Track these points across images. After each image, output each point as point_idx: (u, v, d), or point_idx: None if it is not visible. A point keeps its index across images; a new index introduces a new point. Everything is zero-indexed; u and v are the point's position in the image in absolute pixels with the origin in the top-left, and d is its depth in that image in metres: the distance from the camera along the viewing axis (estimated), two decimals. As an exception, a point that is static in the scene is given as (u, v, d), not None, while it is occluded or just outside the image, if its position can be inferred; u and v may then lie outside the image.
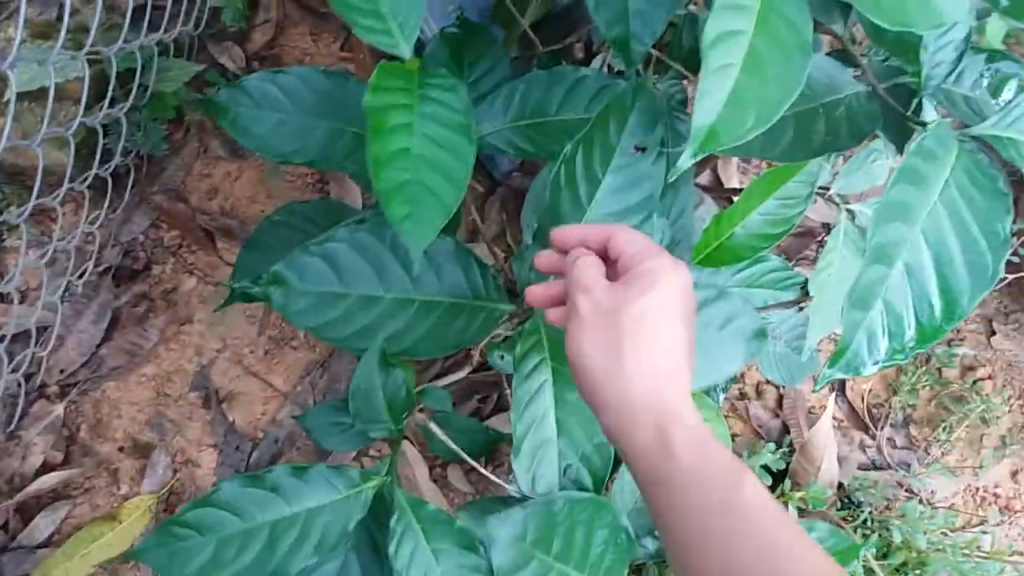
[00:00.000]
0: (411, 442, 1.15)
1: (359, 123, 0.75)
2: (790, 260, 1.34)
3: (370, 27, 0.61)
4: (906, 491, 1.27)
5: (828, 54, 0.71)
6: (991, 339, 1.39)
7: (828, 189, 0.94)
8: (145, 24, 1.00)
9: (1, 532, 1.04)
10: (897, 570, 1.11)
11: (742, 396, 1.31)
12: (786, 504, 1.07)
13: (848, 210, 0.93)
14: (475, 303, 0.71)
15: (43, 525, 1.06)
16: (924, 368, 1.36)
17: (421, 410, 0.83)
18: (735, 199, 0.88)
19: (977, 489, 1.32)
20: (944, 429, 1.32)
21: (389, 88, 0.60)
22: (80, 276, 1.11)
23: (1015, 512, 1.31)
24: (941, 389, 1.35)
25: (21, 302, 1.08)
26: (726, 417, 1.28)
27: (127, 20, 0.94)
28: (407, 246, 0.60)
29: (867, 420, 1.33)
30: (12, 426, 1.06)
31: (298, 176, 1.23)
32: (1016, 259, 1.29)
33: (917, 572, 1.11)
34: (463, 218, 1.09)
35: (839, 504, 1.21)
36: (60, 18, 1.03)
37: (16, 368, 1.03)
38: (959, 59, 0.59)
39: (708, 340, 0.69)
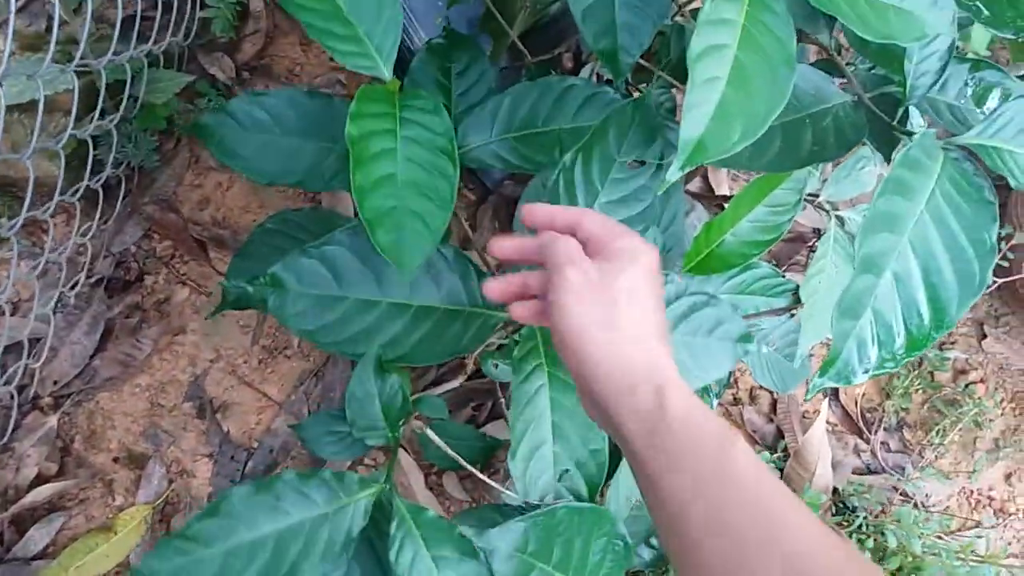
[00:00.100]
0: (406, 450, 1.15)
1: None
2: (781, 265, 1.34)
3: (348, 52, 0.62)
4: (901, 495, 1.28)
5: (814, 63, 0.72)
6: (982, 342, 1.40)
7: (817, 196, 0.95)
8: (134, 35, 1.00)
9: (-5, 544, 1.04)
10: (893, 575, 1.12)
11: (736, 401, 1.31)
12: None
13: (838, 216, 0.94)
14: (471, 310, 0.71)
15: (38, 537, 1.05)
16: (917, 372, 1.36)
17: (417, 417, 0.84)
18: (725, 206, 0.89)
19: (971, 492, 1.32)
20: (937, 433, 1.32)
21: (371, 114, 0.60)
22: (72, 287, 1.10)
23: (1009, 515, 1.32)
24: (934, 393, 1.36)
25: (13, 314, 1.08)
26: (720, 422, 1.28)
27: (116, 31, 0.94)
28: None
29: (861, 424, 1.33)
30: (5, 438, 1.06)
31: (290, 186, 1.23)
32: (1005, 263, 1.30)
33: (912, 576, 1.11)
34: (455, 227, 1.09)
35: (834, 509, 1.22)
36: (49, 29, 1.03)
37: (9, 380, 1.03)
38: (943, 69, 0.60)
39: (698, 345, 0.70)
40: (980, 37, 1.03)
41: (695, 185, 1.32)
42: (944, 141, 0.57)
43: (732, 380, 1.31)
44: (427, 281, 0.69)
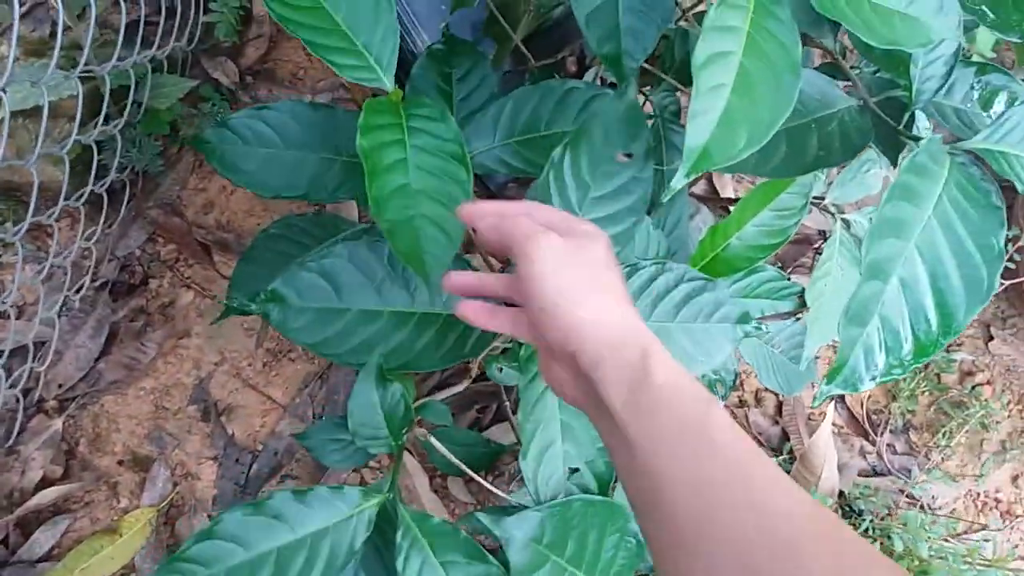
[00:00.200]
0: (411, 453, 1.15)
1: (349, 151, 0.75)
2: (786, 268, 1.34)
3: (349, 65, 0.61)
4: (907, 497, 1.27)
5: (818, 67, 0.71)
6: (989, 344, 1.39)
7: (823, 199, 0.94)
8: (138, 40, 1.00)
9: (1, 547, 1.04)
10: (898, 578, 1.11)
11: (741, 403, 1.31)
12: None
13: (843, 219, 0.93)
14: (475, 315, 0.71)
15: (43, 539, 1.06)
16: (923, 374, 1.36)
17: (420, 424, 0.84)
18: (731, 208, 0.89)
19: (978, 494, 1.32)
20: (944, 435, 1.32)
21: (379, 126, 0.60)
22: (77, 291, 1.11)
23: (1016, 517, 1.31)
24: (940, 395, 1.35)
25: (18, 318, 1.09)
26: (725, 425, 1.28)
27: (120, 37, 0.94)
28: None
29: (867, 426, 1.33)
30: (11, 441, 1.06)
31: (294, 199, 1.23)
32: (1012, 265, 1.29)
33: (918, 580, 1.11)
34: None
35: (840, 513, 1.21)
36: (53, 35, 1.04)
37: (14, 383, 1.03)
38: (949, 73, 0.59)
39: (698, 330, 0.70)
40: (985, 39, 1.03)
41: (700, 188, 1.32)
42: (951, 146, 0.56)
43: (738, 382, 1.31)
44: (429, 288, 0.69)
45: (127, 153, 1.10)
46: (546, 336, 0.46)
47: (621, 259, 0.66)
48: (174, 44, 1.10)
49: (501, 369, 0.86)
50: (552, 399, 0.69)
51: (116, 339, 1.15)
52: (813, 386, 1.30)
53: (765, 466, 0.39)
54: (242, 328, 1.18)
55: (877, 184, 0.95)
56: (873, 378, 0.54)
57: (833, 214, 0.93)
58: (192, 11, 1.13)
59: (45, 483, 1.07)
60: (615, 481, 0.72)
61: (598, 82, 0.96)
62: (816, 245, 1.36)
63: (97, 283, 1.14)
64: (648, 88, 0.92)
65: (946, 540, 1.20)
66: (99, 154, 1.02)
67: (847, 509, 1.22)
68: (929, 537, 1.13)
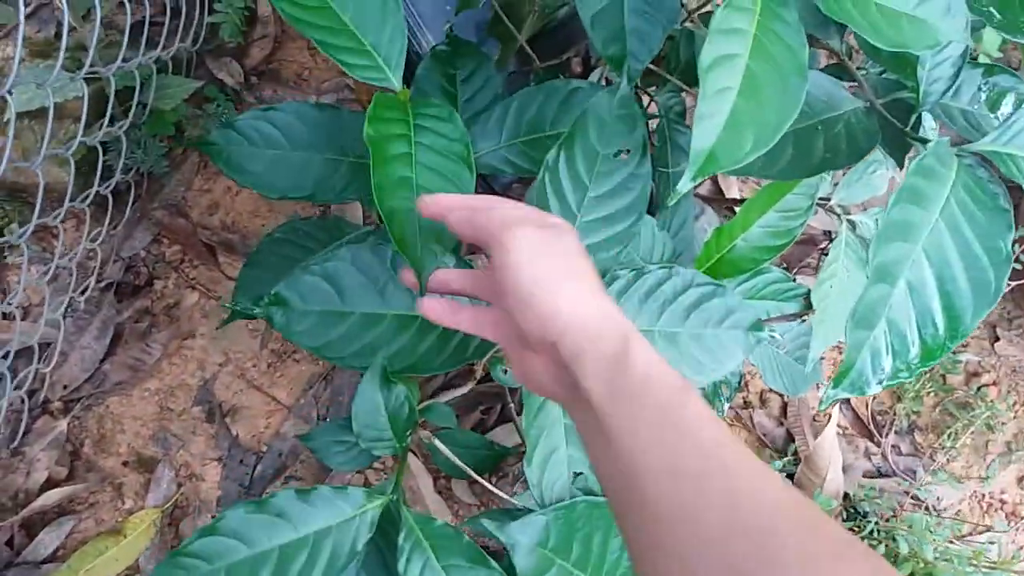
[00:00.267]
0: (415, 454, 1.15)
1: (355, 152, 0.75)
2: (792, 268, 1.34)
3: (358, 64, 0.61)
4: (912, 499, 1.27)
5: (824, 68, 0.71)
6: (995, 345, 1.39)
7: (829, 200, 0.94)
8: (143, 41, 1.00)
9: (6, 548, 1.04)
10: (904, 581, 1.11)
11: (746, 405, 1.30)
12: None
13: (849, 220, 0.93)
14: (479, 317, 0.71)
15: (48, 540, 1.06)
16: (928, 375, 1.36)
17: (424, 426, 0.83)
18: (736, 209, 0.88)
19: (983, 496, 1.31)
20: (949, 436, 1.31)
21: (387, 118, 0.60)
22: (82, 292, 1.11)
23: (1021, 518, 1.31)
24: (946, 396, 1.35)
25: (24, 319, 1.09)
26: (730, 426, 1.28)
27: (125, 38, 0.94)
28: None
29: (872, 427, 1.32)
30: (16, 442, 1.06)
31: (300, 200, 1.23)
32: (1019, 266, 1.29)
33: (924, 582, 1.10)
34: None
35: (845, 515, 1.21)
36: (59, 35, 1.04)
37: (19, 385, 1.03)
38: (957, 75, 0.59)
39: (708, 337, 0.70)
40: (992, 38, 1.02)
41: (704, 188, 1.32)
42: (958, 148, 0.56)
43: (742, 383, 1.30)
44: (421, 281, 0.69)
45: (132, 154, 1.10)
46: (523, 327, 0.46)
47: (623, 259, 0.66)
48: (179, 45, 1.10)
49: (506, 371, 0.86)
50: (556, 404, 0.69)
51: (121, 340, 1.15)
52: (818, 387, 1.30)
53: (742, 455, 0.39)
54: (247, 329, 1.18)
55: (883, 185, 0.95)
56: (880, 382, 0.54)
57: (839, 215, 0.93)
58: (197, 12, 1.13)
59: (50, 484, 1.07)
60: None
61: (603, 83, 0.96)
62: (822, 246, 1.35)
63: (102, 284, 1.14)
64: (653, 89, 0.92)
65: (951, 542, 1.20)
66: (104, 155, 1.02)
67: (852, 511, 1.21)
68: (934, 539, 1.12)
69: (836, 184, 0.95)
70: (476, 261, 1.16)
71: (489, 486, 0.79)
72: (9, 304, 0.95)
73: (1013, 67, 1.39)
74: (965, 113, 0.65)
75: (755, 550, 0.35)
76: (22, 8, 0.74)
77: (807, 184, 0.84)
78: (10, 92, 0.74)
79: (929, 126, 0.78)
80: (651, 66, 0.81)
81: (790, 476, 1.17)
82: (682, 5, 0.77)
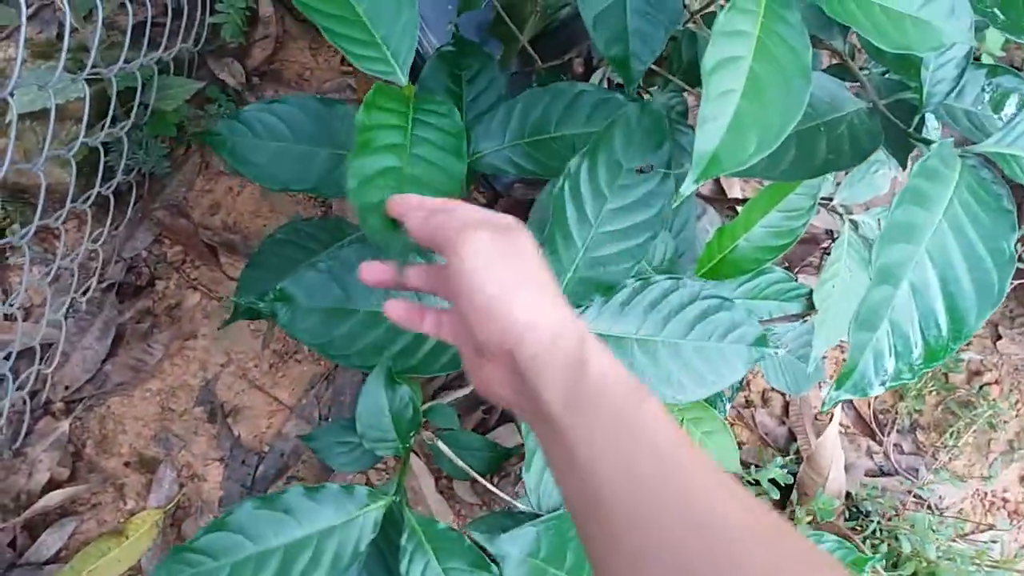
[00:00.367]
0: (417, 454, 1.15)
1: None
2: (794, 267, 1.34)
3: (365, 56, 0.61)
4: (914, 498, 1.27)
5: (827, 69, 0.71)
6: (997, 343, 1.39)
7: (831, 200, 0.94)
8: (145, 42, 1.00)
9: (9, 549, 1.04)
10: (907, 580, 1.11)
11: (748, 404, 1.30)
12: (794, 521, 1.07)
13: (851, 220, 0.93)
14: (482, 316, 0.71)
15: (50, 542, 1.06)
16: (930, 374, 1.35)
17: (427, 427, 0.83)
18: (738, 209, 0.88)
19: (986, 494, 1.31)
20: (951, 434, 1.31)
21: (384, 108, 0.60)
22: (84, 293, 1.11)
23: (1024, 517, 1.31)
24: (948, 394, 1.35)
25: (26, 320, 1.08)
26: (732, 425, 1.28)
27: (127, 38, 0.94)
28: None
29: (874, 426, 1.32)
30: (18, 443, 1.07)
31: (302, 192, 1.23)
32: (1020, 264, 1.29)
33: (926, 581, 1.10)
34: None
35: (847, 514, 1.21)
36: (60, 36, 1.04)
37: (21, 386, 1.03)
38: (960, 76, 0.59)
39: (711, 350, 0.69)
40: (995, 38, 1.02)
41: (706, 188, 1.32)
42: (961, 149, 0.56)
43: (745, 382, 1.30)
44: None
45: (133, 155, 1.10)
46: (479, 335, 0.45)
47: (633, 273, 0.66)
48: (180, 45, 1.10)
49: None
50: None
51: (123, 341, 1.15)
52: (820, 386, 1.30)
53: (701, 461, 0.38)
54: (248, 329, 1.18)
55: (885, 185, 0.95)
56: (883, 383, 0.54)
57: (841, 215, 0.93)
58: (198, 12, 1.13)
59: (52, 485, 1.07)
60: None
61: (605, 83, 0.96)
62: (824, 245, 1.35)
63: (104, 285, 1.14)
64: (655, 89, 0.91)
65: (954, 541, 1.20)
66: (106, 156, 1.02)
67: (854, 510, 1.21)
68: (937, 538, 1.12)
69: (839, 184, 0.95)
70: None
71: (491, 487, 0.79)
72: (11, 305, 0.95)
73: (1016, 66, 1.38)
74: (968, 114, 0.65)
75: (710, 552, 0.34)
76: (23, 9, 0.74)
77: (809, 184, 0.84)
78: (12, 94, 0.74)
79: (932, 127, 0.78)
80: (653, 66, 0.81)
81: (792, 475, 1.17)
82: (684, 6, 0.77)
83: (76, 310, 1.12)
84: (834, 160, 0.60)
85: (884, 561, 1.10)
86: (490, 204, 1.25)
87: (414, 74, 0.79)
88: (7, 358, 0.99)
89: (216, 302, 1.18)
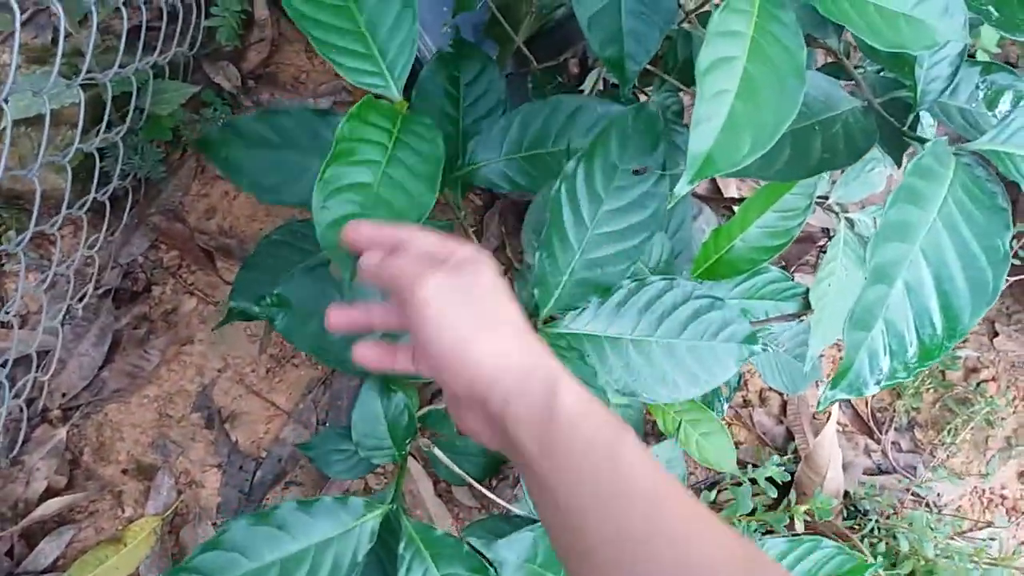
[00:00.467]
0: (415, 458, 1.15)
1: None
2: (790, 266, 1.34)
3: (359, 69, 0.60)
4: (912, 496, 1.27)
5: (822, 67, 0.71)
6: (994, 340, 1.39)
7: (827, 198, 0.94)
8: (140, 46, 1.00)
9: (6, 558, 1.04)
10: (905, 579, 1.11)
11: (746, 404, 1.30)
12: (792, 520, 1.07)
13: (847, 219, 0.93)
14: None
15: (48, 550, 1.05)
16: (928, 371, 1.36)
17: (423, 433, 0.83)
18: (734, 208, 0.89)
19: (984, 491, 1.31)
20: (949, 432, 1.31)
21: (369, 122, 0.59)
22: (80, 299, 1.10)
23: (1022, 513, 1.31)
24: (945, 392, 1.35)
25: (22, 327, 1.08)
26: (729, 425, 1.28)
27: (122, 43, 0.94)
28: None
29: (872, 424, 1.32)
30: (15, 452, 1.06)
31: (294, 206, 1.23)
32: (1017, 261, 1.29)
33: (925, 579, 1.10)
34: (459, 235, 1.09)
35: (845, 513, 1.21)
36: (55, 41, 1.03)
37: (18, 394, 1.03)
38: (955, 74, 0.59)
39: (703, 349, 0.70)
40: (990, 34, 1.02)
41: (702, 188, 1.32)
42: (956, 147, 0.56)
43: (742, 382, 1.30)
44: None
45: (129, 160, 1.10)
46: (449, 385, 0.44)
47: (629, 274, 0.66)
48: (176, 49, 1.09)
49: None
50: None
51: (119, 347, 1.14)
52: (818, 385, 1.30)
53: (677, 494, 0.39)
54: (245, 334, 1.18)
55: (881, 182, 0.95)
56: (878, 382, 0.54)
57: (837, 214, 0.93)
58: (193, 16, 1.13)
59: (49, 493, 1.07)
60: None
61: (601, 84, 0.96)
62: (820, 243, 1.36)
63: (100, 291, 1.14)
64: (650, 89, 0.91)
65: (952, 538, 1.20)
66: (101, 161, 1.02)
67: (852, 509, 1.21)
68: (935, 536, 1.12)
69: (834, 182, 0.95)
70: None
71: (488, 492, 0.79)
72: (7, 312, 0.95)
73: (1011, 62, 1.39)
74: (963, 111, 0.65)
75: None
76: (18, 14, 0.74)
77: (805, 184, 0.84)
78: (6, 100, 0.74)
79: (928, 124, 0.78)
80: (648, 66, 0.81)
81: (790, 474, 1.17)
82: (679, 6, 0.77)
83: (72, 316, 1.12)
84: (829, 159, 0.60)
85: (882, 560, 1.10)
86: (487, 206, 1.25)
87: (409, 78, 0.79)
88: (3, 366, 0.98)
89: (212, 307, 1.18)
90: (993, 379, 1.37)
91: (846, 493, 1.22)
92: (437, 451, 0.75)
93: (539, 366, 0.43)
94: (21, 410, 1.05)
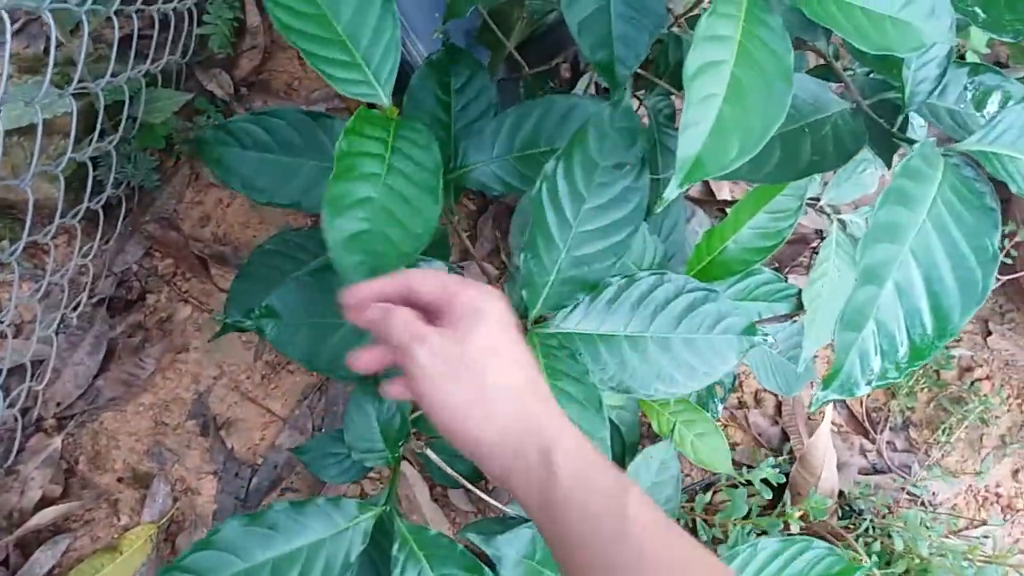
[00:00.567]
0: (410, 462, 1.15)
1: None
2: (784, 268, 1.34)
3: (347, 79, 0.60)
4: (907, 495, 1.27)
5: (811, 70, 0.72)
6: (987, 339, 1.40)
7: (819, 200, 0.94)
8: (132, 54, 1.00)
9: (2, 568, 1.04)
10: (900, 578, 1.11)
11: (741, 405, 1.31)
12: (786, 523, 1.07)
13: (839, 220, 0.94)
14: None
15: (44, 559, 1.05)
16: (922, 371, 1.36)
17: (416, 436, 0.83)
18: (727, 210, 0.89)
19: (978, 490, 1.32)
20: (944, 431, 1.32)
21: (366, 135, 0.59)
22: (74, 308, 1.10)
23: (1016, 511, 1.32)
24: (939, 391, 1.36)
25: (16, 336, 1.08)
26: (725, 426, 1.28)
27: (114, 51, 0.94)
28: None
29: (866, 424, 1.33)
30: (10, 461, 1.06)
31: (288, 208, 1.23)
32: (1009, 260, 1.30)
33: (919, 578, 1.11)
34: (454, 239, 1.09)
35: (840, 513, 1.21)
36: (47, 51, 1.03)
37: (12, 403, 1.03)
38: (942, 75, 0.60)
39: (700, 342, 0.70)
40: (979, 35, 1.03)
41: (695, 190, 1.32)
42: (944, 148, 0.56)
43: (737, 383, 1.31)
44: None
45: (122, 168, 1.10)
46: (452, 444, 0.45)
47: (617, 270, 0.66)
48: (168, 57, 1.10)
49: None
50: None
51: (114, 355, 1.14)
52: (812, 386, 1.30)
53: (681, 550, 0.40)
54: (240, 341, 1.18)
55: (873, 184, 0.96)
56: (869, 383, 0.55)
57: (829, 215, 0.93)
58: (186, 23, 1.13)
59: (45, 502, 1.07)
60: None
61: (592, 88, 0.97)
62: (813, 244, 1.36)
63: (94, 300, 1.14)
64: (642, 93, 0.92)
65: (946, 537, 1.20)
66: (94, 170, 1.02)
67: (847, 509, 1.22)
68: (929, 535, 1.13)
69: (826, 184, 0.96)
70: (468, 269, 1.17)
71: (482, 495, 0.79)
72: (1, 322, 0.95)
73: (1001, 62, 1.39)
74: (951, 112, 0.65)
75: None
76: (8, 25, 0.74)
77: (796, 185, 0.85)
78: (-2, 110, 0.74)
79: (918, 125, 0.79)
80: (640, 70, 0.81)
81: (785, 475, 1.17)
82: (668, 10, 0.77)
83: (67, 326, 1.12)
84: (819, 161, 0.61)
85: (876, 559, 1.10)
86: (480, 211, 1.25)
87: (402, 84, 0.79)
88: (-3, 375, 0.98)
89: (207, 314, 1.18)
90: (987, 378, 1.38)
91: (841, 493, 1.22)
92: (430, 453, 0.75)
93: (533, 431, 0.44)
94: (16, 419, 1.05)
